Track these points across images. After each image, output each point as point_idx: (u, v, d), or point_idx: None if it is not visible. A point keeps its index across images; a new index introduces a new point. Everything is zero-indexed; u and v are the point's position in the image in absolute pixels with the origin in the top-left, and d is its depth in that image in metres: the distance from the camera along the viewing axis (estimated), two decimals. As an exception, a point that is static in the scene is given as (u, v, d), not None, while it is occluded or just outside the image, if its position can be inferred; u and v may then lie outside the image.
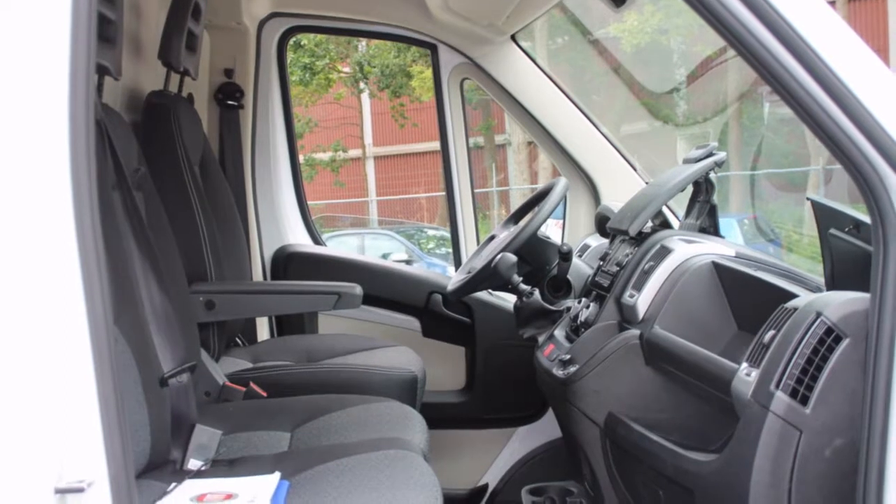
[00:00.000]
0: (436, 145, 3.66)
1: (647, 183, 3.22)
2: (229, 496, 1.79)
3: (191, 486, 1.88)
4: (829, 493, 1.55)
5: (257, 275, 3.54)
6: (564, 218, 3.55)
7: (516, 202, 15.81)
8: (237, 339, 3.30)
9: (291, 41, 3.89)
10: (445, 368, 3.43)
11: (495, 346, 3.36)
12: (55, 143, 1.25)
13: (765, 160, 11.75)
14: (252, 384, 2.63)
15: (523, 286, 2.67)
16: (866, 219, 1.58)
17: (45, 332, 1.24)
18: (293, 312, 3.43)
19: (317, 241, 3.78)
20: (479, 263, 2.81)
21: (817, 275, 2.01)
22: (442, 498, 1.85)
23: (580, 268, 2.79)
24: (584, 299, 2.55)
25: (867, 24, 13.74)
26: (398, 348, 3.08)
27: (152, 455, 1.93)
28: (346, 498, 1.77)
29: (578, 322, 2.47)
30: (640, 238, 2.41)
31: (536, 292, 2.68)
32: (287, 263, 3.59)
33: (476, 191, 3.60)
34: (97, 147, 1.44)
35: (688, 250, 2.22)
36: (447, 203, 3.57)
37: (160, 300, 2.16)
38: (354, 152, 19.10)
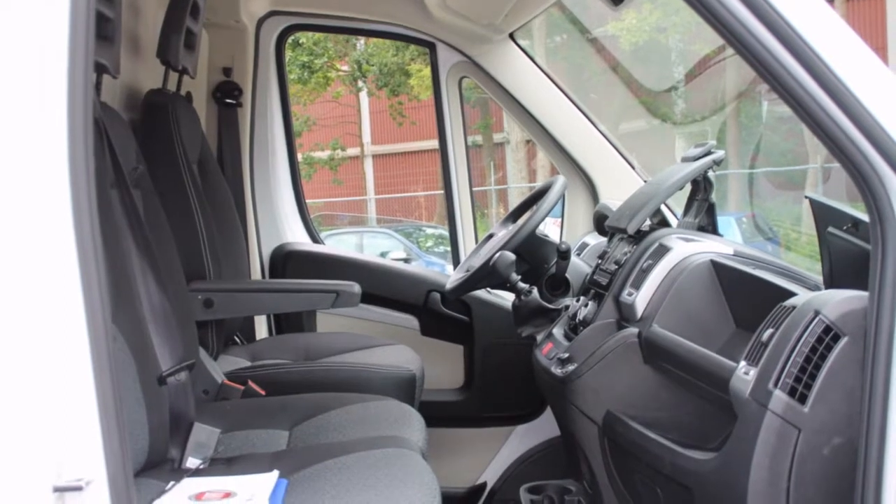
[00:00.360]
0: (434, 144, 3.66)
1: (645, 181, 3.22)
2: (227, 494, 1.79)
3: (189, 485, 1.88)
4: (828, 492, 1.55)
5: (256, 273, 3.54)
6: (563, 216, 3.55)
7: (514, 200, 15.79)
8: (235, 338, 3.30)
9: (290, 39, 3.89)
10: (444, 367, 3.42)
11: (494, 344, 3.35)
12: (54, 141, 1.25)
13: (763, 158, 11.75)
14: (250, 382, 2.63)
15: (522, 284, 2.67)
16: (865, 217, 1.58)
17: (44, 330, 1.24)
18: (291, 311, 3.43)
19: (315, 239, 3.78)
20: (477, 262, 2.81)
21: (816, 273, 2.01)
22: (440, 496, 1.84)
23: (578, 266, 2.79)
24: (582, 298, 2.55)
25: (866, 22, 13.74)
26: (396, 347, 3.08)
27: (151, 453, 1.93)
28: (344, 496, 1.77)
29: (577, 320, 2.47)
30: (639, 236, 2.41)
31: (535, 291, 2.68)
32: (285, 262, 3.59)
33: (474, 189, 3.60)
34: (95, 145, 1.43)
35: (686, 248, 2.21)
36: (445, 201, 3.56)
37: (158, 298, 2.16)
38: (353, 151, 19.10)
